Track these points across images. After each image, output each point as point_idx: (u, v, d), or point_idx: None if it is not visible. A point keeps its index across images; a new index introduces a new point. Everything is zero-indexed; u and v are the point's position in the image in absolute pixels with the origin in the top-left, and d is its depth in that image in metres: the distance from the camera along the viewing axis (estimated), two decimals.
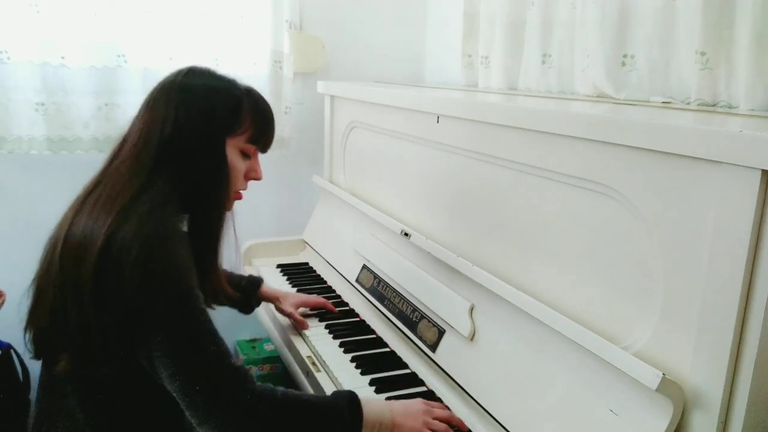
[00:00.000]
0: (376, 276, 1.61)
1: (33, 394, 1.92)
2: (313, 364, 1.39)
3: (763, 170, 0.75)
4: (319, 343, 1.46)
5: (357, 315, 1.60)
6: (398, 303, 1.48)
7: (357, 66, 2.34)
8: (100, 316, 0.95)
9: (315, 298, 1.61)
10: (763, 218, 0.77)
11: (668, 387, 0.84)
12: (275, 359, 1.99)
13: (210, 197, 1.09)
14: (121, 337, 0.96)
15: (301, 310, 1.58)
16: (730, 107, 1.24)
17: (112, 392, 1.02)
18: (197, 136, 1.05)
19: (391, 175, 1.72)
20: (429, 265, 1.43)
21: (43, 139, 1.92)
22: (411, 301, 1.44)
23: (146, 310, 0.93)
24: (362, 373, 1.32)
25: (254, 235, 2.07)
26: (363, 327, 1.54)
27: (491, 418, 1.12)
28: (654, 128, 0.89)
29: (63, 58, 1.90)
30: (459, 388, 1.22)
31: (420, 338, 1.36)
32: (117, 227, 0.95)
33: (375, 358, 1.38)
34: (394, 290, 1.51)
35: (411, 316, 1.42)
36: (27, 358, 1.90)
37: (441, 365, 1.28)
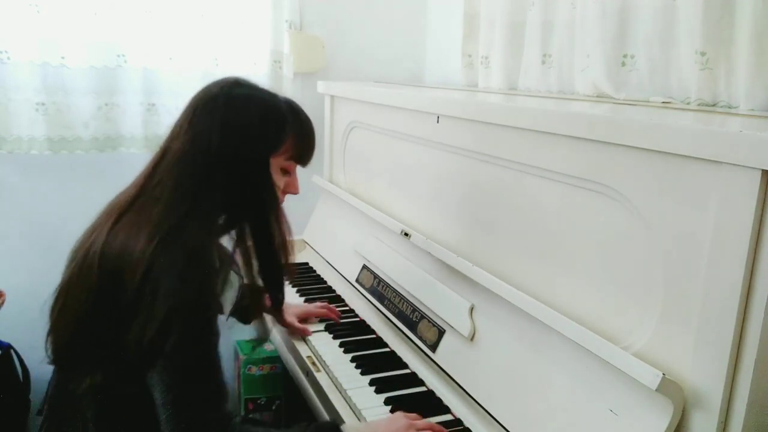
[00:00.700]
0: (376, 276, 1.61)
1: (33, 394, 1.92)
2: (313, 364, 1.39)
3: (763, 170, 0.75)
4: (319, 343, 1.46)
5: (357, 315, 1.60)
6: (398, 303, 1.48)
7: (357, 66, 2.34)
8: (130, 331, 0.95)
9: (318, 309, 1.56)
10: (763, 218, 0.77)
11: (668, 387, 0.84)
12: (275, 359, 1.99)
13: (255, 214, 1.09)
14: (139, 357, 0.95)
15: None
16: (730, 107, 1.24)
17: (129, 409, 1.01)
18: (243, 154, 1.04)
19: (391, 175, 1.72)
20: (429, 265, 1.43)
21: (43, 139, 1.92)
22: (411, 301, 1.44)
23: (166, 335, 0.94)
24: (362, 373, 1.32)
25: None
26: (363, 327, 1.54)
27: (491, 418, 1.12)
28: (654, 128, 0.89)
29: (63, 58, 1.90)
30: (459, 388, 1.21)
31: (420, 338, 1.36)
32: (161, 251, 0.95)
33: (375, 358, 1.38)
34: (394, 290, 1.51)
35: (411, 316, 1.42)
36: (27, 358, 1.91)
37: (441, 365, 1.28)
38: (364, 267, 1.67)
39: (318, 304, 1.59)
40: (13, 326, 1.86)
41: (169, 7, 1.99)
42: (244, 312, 1.47)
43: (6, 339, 1.89)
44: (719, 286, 0.81)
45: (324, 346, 1.44)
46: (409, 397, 1.24)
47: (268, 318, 1.65)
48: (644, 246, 0.94)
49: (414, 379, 1.31)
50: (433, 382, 1.29)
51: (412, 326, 1.40)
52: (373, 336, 1.49)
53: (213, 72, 2.08)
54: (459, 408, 1.20)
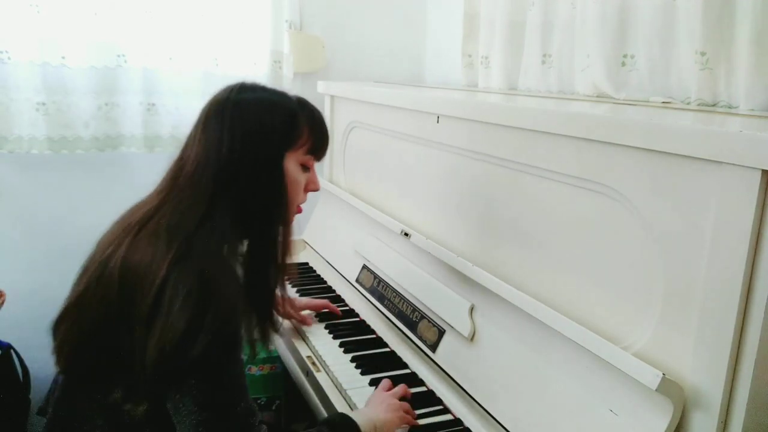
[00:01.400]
0: (376, 276, 1.61)
1: (33, 394, 1.92)
2: (313, 364, 1.39)
3: (763, 170, 0.75)
4: (319, 343, 1.46)
5: (357, 315, 1.60)
6: (398, 303, 1.48)
7: (357, 66, 2.34)
8: (146, 346, 0.92)
9: (319, 301, 1.60)
10: (763, 218, 0.77)
11: (668, 387, 0.84)
12: (275, 359, 1.99)
13: (273, 215, 1.07)
14: (161, 373, 0.92)
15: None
16: (730, 107, 1.24)
17: (143, 423, 0.98)
18: (256, 153, 1.03)
19: (391, 175, 1.72)
20: (429, 265, 1.43)
21: (43, 139, 1.93)
22: (411, 301, 1.44)
23: (188, 350, 0.90)
24: (362, 373, 1.32)
25: None
26: (363, 327, 1.54)
27: (491, 418, 1.12)
28: (654, 128, 0.89)
29: (63, 58, 1.90)
30: (459, 388, 1.21)
31: (420, 338, 1.36)
32: (176, 262, 0.93)
33: (375, 358, 1.38)
34: (394, 290, 1.51)
35: (411, 316, 1.42)
36: (27, 358, 1.91)
37: (441, 365, 1.28)
38: (364, 267, 1.67)
39: (318, 299, 1.62)
40: (13, 326, 1.86)
41: (169, 7, 1.99)
42: None
43: (6, 339, 1.89)
44: (719, 286, 0.82)
45: (324, 346, 1.44)
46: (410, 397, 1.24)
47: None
48: (644, 246, 0.94)
49: (414, 379, 1.31)
50: (433, 382, 1.29)
51: (412, 326, 1.40)
52: (373, 336, 1.49)
53: (213, 72, 2.08)
54: (459, 408, 1.20)
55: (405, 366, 1.36)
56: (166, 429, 0.96)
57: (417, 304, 1.42)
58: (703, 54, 1.24)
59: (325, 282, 1.83)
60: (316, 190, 1.16)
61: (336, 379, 1.30)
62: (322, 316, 1.58)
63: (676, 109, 1.22)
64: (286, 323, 1.57)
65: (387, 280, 1.55)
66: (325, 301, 1.61)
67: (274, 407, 2.05)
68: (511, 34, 1.81)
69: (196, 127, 1.07)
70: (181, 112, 2.04)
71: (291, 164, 1.08)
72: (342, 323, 1.55)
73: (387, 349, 1.43)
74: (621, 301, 0.99)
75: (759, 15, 1.15)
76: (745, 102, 1.19)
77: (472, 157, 1.34)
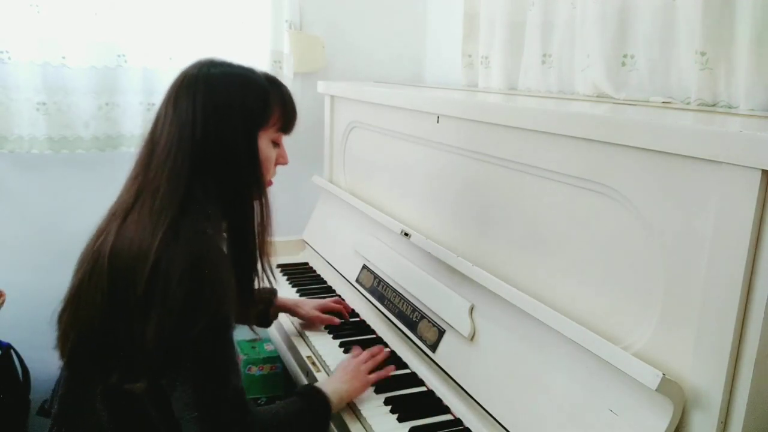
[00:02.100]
0: (376, 276, 1.61)
1: (33, 394, 1.92)
2: (313, 364, 1.39)
3: (763, 170, 0.75)
4: (319, 343, 1.46)
5: (357, 315, 1.60)
6: (398, 303, 1.48)
7: (357, 66, 2.34)
8: (144, 330, 0.94)
9: (332, 304, 1.58)
10: (763, 218, 0.77)
11: (668, 387, 0.84)
12: (275, 359, 1.99)
13: (252, 191, 1.08)
14: (158, 355, 0.95)
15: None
16: (730, 107, 1.24)
17: (143, 409, 1.00)
18: (230, 132, 1.03)
19: (391, 175, 1.72)
20: (429, 265, 1.43)
21: (44, 139, 1.93)
22: (411, 301, 1.44)
23: (184, 333, 0.93)
24: None
25: None
26: (363, 327, 1.54)
27: (491, 418, 1.12)
28: (654, 128, 0.89)
29: (63, 58, 1.90)
30: (459, 388, 1.21)
31: (420, 338, 1.36)
32: (166, 245, 0.94)
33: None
34: (394, 290, 1.51)
35: (411, 316, 1.42)
36: (27, 358, 1.91)
37: (441, 365, 1.28)
38: (364, 267, 1.67)
39: (331, 301, 1.61)
40: (13, 326, 1.86)
41: (169, 7, 1.99)
42: (262, 315, 1.48)
43: (6, 339, 1.89)
44: (719, 286, 0.82)
45: (324, 346, 1.44)
46: (409, 397, 1.24)
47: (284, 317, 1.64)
48: (644, 246, 0.94)
49: (414, 379, 1.31)
50: (433, 382, 1.29)
51: (412, 326, 1.40)
52: (373, 336, 1.49)
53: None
54: (459, 408, 1.20)
55: (405, 366, 1.36)
56: (166, 412, 0.99)
57: (417, 304, 1.42)
58: (703, 54, 1.24)
59: (325, 282, 1.83)
60: (285, 163, 1.17)
61: None
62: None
63: (676, 109, 1.22)
64: (285, 321, 1.57)
65: (387, 280, 1.55)
66: (339, 306, 1.59)
67: None
68: (511, 34, 1.81)
69: (166, 104, 1.07)
70: None
71: (263, 142, 1.09)
72: (342, 323, 1.55)
73: (387, 349, 1.42)
74: (621, 301, 0.99)
75: (759, 15, 1.15)
76: (745, 102, 1.19)
77: (472, 157, 1.34)
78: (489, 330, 1.21)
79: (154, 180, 1.01)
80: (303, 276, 1.88)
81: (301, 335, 1.52)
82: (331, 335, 1.49)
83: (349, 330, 1.51)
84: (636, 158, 0.93)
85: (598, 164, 1.00)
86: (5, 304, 1.80)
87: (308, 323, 1.53)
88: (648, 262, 0.93)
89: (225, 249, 1.06)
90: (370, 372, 1.26)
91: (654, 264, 0.92)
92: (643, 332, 0.94)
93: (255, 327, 1.35)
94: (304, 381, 1.39)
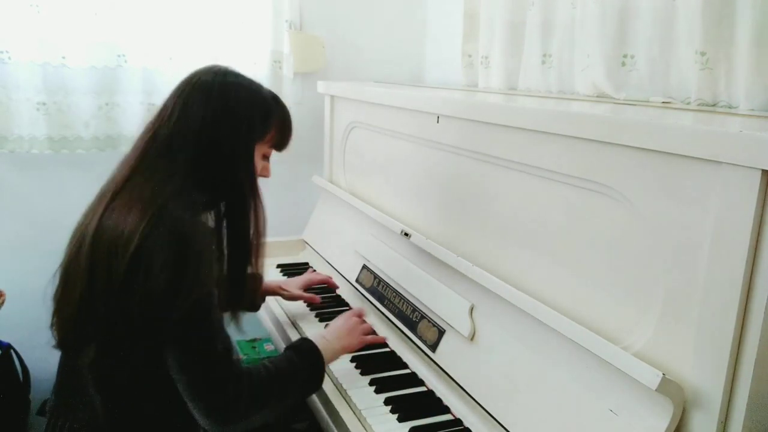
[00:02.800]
0: (376, 276, 1.61)
1: (33, 394, 1.92)
2: None
3: (763, 170, 0.75)
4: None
5: (334, 283, 1.61)
6: (398, 303, 1.48)
7: (357, 66, 2.34)
8: (127, 309, 0.99)
9: (318, 276, 1.68)
10: (763, 218, 0.77)
11: (668, 387, 0.84)
12: None
13: (240, 198, 1.14)
14: (143, 331, 1.00)
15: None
16: (730, 107, 1.24)
17: (132, 384, 1.05)
18: (233, 140, 1.10)
19: (391, 175, 1.72)
20: (429, 265, 1.43)
21: (44, 139, 1.93)
22: (411, 301, 1.44)
23: (169, 309, 0.98)
24: (362, 373, 1.32)
25: None
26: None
27: (491, 418, 1.12)
28: (654, 128, 0.89)
29: (63, 57, 1.90)
30: (459, 388, 1.21)
31: (420, 338, 1.36)
32: (152, 228, 0.98)
33: (375, 358, 1.38)
34: (394, 290, 1.51)
35: (411, 316, 1.42)
36: (27, 358, 1.91)
37: (441, 365, 1.28)
38: (364, 267, 1.67)
39: (317, 273, 1.69)
40: (13, 326, 1.86)
41: (169, 7, 1.99)
42: (250, 301, 1.49)
43: (6, 339, 1.89)
44: (719, 286, 0.82)
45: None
46: (409, 397, 1.24)
47: (269, 313, 1.67)
48: (644, 246, 0.94)
49: (414, 379, 1.31)
50: (433, 382, 1.29)
51: (412, 326, 1.40)
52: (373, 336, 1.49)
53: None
54: (459, 408, 1.20)
55: (405, 366, 1.36)
56: (154, 386, 1.04)
57: (417, 304, 1.42)
58: (703, 54, 1.24)
59: None
60: (266, 176, 1.23)
61: (336, 379, 1.30)
62: (321, 316, 1.58)
63: (676, 109, 1.23)
64: (285, 320, 1.57)
65: (387, 280, 1.55)
66: (325, 276, 1.68)
67: None
68: (511, 34, 1.81)
69: (174, 101, 1.12)
70: None
71: (256, 153, 1.16)
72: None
73: (387, 349, 1.43)
74: (621, 301, 0.99)
75: (759, 15, 1.15)
76: (745, 102, 1.19)
77: (472, 157, 1.34)
78: (489, 330, 1.21)
79: (150, 168, 1.07)
80: None
81: (301, 335, 1.51)
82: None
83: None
84: (636, 158, 0.93)
85: (599, 164, 1.00)
86: (5, 304, 1.80)
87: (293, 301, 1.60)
88: (648, 262, 0.93)
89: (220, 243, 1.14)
90: (366, 334, 1.34)
91: (654, 264, 0.92)
92: (643, 332, 0.94)
93: (244, 315, 1.38)
94: None
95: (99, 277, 1.00)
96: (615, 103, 1.41)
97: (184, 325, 0.99)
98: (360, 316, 1.41)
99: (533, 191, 1.16)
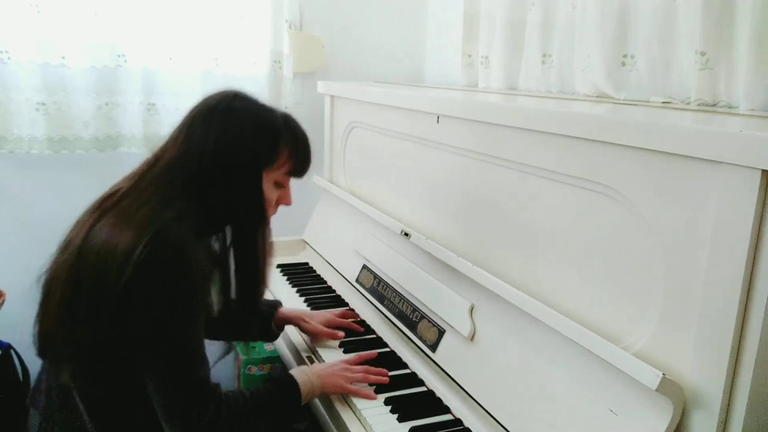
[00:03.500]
0: (376, 276, 1.61)
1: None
2: (313, 363, 1.39)
3: (763, 170, 0.75)
4: (319, 343, 1.46)
5: (357, 315, 1.60)
6: (398, 303, 1.48)
7: (357, 66, 2.34)
8: (105, 332, 0.98)
9: (341, 320, 1.51)
10: (763, 218, 0.77)
11: (668, 387, 0.84)
12: (275, 359, 1.99)
13: (246, 225, 1.11)
14: (120, 354, 0.99)
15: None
16: (730, 107, 1.24)
17: (113, 399, 1.04)
18: (235, 167, 1.06)
19: (391, 175, 1.72)
20: (429, 265, 1.43)
21: (43, 139, 1.93)
22: (411, 301, 1.44)
23: (150, 336, 0.97)
24: None
25: None
26: (363, 327, 1.53)
27: (491, 418, 1.12)
28: (654, 128, 0.89)
29: (63, 58, 1.90)
30: (459, 388, 1.21)
31: (420, 338, 1.36)
32: (147, 255, 0.96)
33: (375, 358, 1.38)
34: (394, 290, 1.51)
35: (411, 316, 1.42)
36: (27, 358, 1.91)
37: (441, 365, 1.28)
38: (364, 267, 1.67)
39: (338, 311, 1.55)
40: (13, 326, 1.86)
41: (169, 7, 1.99)
42: (265, 329, 1.44)
43: (6, 339, 1.89)
44: (719, 286, 0.82)
45: (324, 346, 1.44)
46: (409, 397, 1.24)
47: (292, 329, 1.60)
48: (644, 246, 0.94)
49: (414, 379, 1.31)
50: (433, 382, 1.29)
51: (412, 326, 1.40)
52: (373, 336, 1.49)
53: (213, 72, 2.08)
54: (459, 408, 1.20)
55: (405, 366, 1.36)
56: (136, 404, 1.03)
57: (417, 304, 1.42)
58: (703, 54, 1.24)
59: (325, 282, 1.83)
60: (287, 204, 1.20)
61: None
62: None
63: (676, 109, 1.22)
64: (300, 344, 1.54)
65: (387, 280, 1.55)
66: (348, 322, 1.51)
67: None
68: (511, 34, 1.81)
69: (181, 127, 1.10)
70: (181, 112, 1.99)
71: (266, 182, 1.11)
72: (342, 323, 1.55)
73: (387, 349, 1.43)
74: (621, 301, 0.99)
75: (759, 15, 1.15)
76: (745, 102, 1.19)
77: (472, 157, 1.34)
78: (489, 330, 1.21)
79: (146, 190, 1.04)
80: (303, 276, 1.88)
81: (301, 335, 1.51)
82: None
83: (349, 330, 1.51)
84: (636, 158, 0.93)
85: (598, 164, 1.00)
86: (5, 304, 1.80)
87: (314, 337, 1.47)
88: (648, 262, 0.93)
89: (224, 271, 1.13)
90: (353, 382, 1.24)
91: (654, 264, 0.92)
92: (643, 332, 0.94)
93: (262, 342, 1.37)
94: None
95: (85, 295, 0.98)
96: (615, 103, 1.41)
97: (163, 350, 0.98)
98: (361, 361, 1.32)
99: (533, 191, 1.16)
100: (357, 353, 1.36)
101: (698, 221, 0.84)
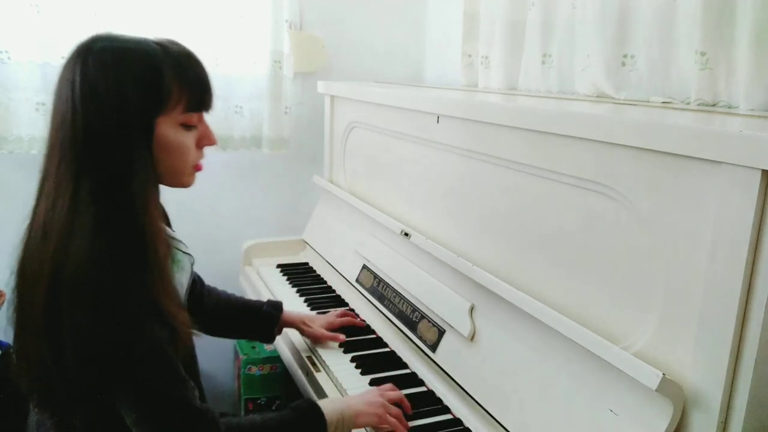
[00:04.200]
0: (376, 276, 1.61)
1: None
2: (313, 364, 1.39)
3: (763, 170, 0.75)
4: (319, 343, 1.46)
5: (357, 315, 1.60)
6: (398, 303, 1.48)
7: (357, 66, 2.34)
8: (60, 358, 0.86)
9: (342, 319, 1.48)
10: (763, 218, 0.77)
11: (668, 387, 0.84)
12: (275, 359, 1.99)
13: (146, 189, 0.90)
14: (84, 383, 0.87)
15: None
16: (730, 107, 1.24)
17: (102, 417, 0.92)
18: (112, 125, 0.86)
19: (391, 175, 1.72)
20: (429, 265, 1.43)
21: (43, 139, 1.92)
22: (411, 301, 1.44)
23: (106, 358, 0.85)
24: (362, 373, 1.32)
25: (254, 235, 2.06)
26: (363, 327, 1.53)
27: (491, 418, 1.12)
28: (654, 128, 0.89)
29: (63, 58, 1.88)
30: (459, 388, 1.22)
31: (420, 338, 1.36)
32: (61, 262, 0.85)
33: (375, 358, 1.38)
34: (394, 290, 1.51)
35: (411, 316, 1.42)
36: None
37: (441, 365, 1.28)
38: (364, 267, 1.67)
39: (338, 311, 1.53)
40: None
41: (169, 7, 1.99)
42: (266, 331, 1.42)
43: (6, 339, 1.89)
44: (719, 286, 0.82)
45: (324, 346, 1.44)
46: (409, 396, 1.24)
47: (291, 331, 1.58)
48: (644, 246, 0.94)
49: (414, 379, 1.31)
50: (433, 382, 1.29)
51: (412, 326, 1.40)
52: (373, 336, 1.49)
53: (213, 72, 2.06)
54: (459, 408, 1.20)
55: (405, 366, 1.36)
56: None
57: (417, 304, 1.42)
58: (703, 54, 1.24)
59: (325, 282, 1.83)
60: (212, 144, 0.99)
61: (336, 379, 1.30)
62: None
63: (676, 109, 1.22)
64: (301, 345, 1.53)
65: (387, 280, 1.55)
66: (348, 320, 1.49)
67: (273, 407, 2.05)
68: (511, 34, 1.81)
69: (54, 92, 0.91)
70: None
71: (167, 129, 0.91)
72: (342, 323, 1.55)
73: (387, 349, 1.43)
74: (621, 301, 0.99)
75: (759, 15, 1.15)
76: (745, 102, 1.19)
77: (472, 157, 1.34)
78: (489, 330, 1.21)
79: (45, 184, 0.91)
80: (303, 276, 1.88)
81: (301, 335, 1.51)
82: None
83: (349, 330, 1.51)
84: (636, 158, 0.93)
85: (598, 164, 1.00)
86: (5, 304, 1.79)
87: (315, 341, 1.46)
88: (648, 262, 0.93)
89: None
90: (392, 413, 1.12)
91: (654, 264, 0.92)
92: (643, 332, 0.94)
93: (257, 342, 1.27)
94: (304, 381, 1.39)
95: (26, 318, 0.89)
96: (615, 103, 1.41)
97: (126, 377, 0.85)
98: (392, 391, 1.18)
99: (533, 191, 1.16)
100: (390, 384, 1.21)
101: (698, 221, 0.84)
